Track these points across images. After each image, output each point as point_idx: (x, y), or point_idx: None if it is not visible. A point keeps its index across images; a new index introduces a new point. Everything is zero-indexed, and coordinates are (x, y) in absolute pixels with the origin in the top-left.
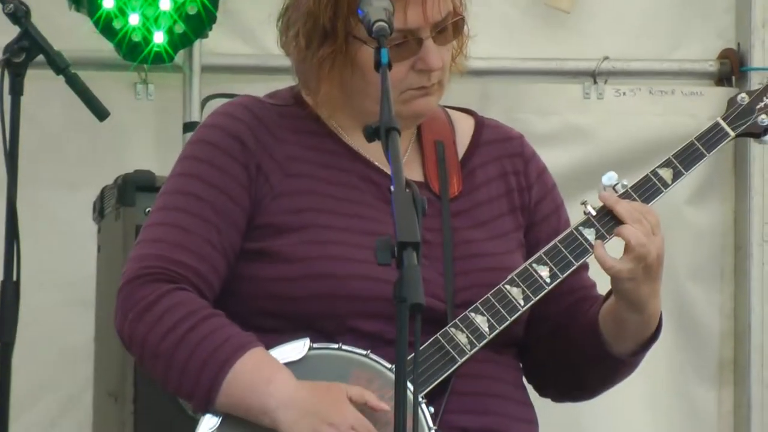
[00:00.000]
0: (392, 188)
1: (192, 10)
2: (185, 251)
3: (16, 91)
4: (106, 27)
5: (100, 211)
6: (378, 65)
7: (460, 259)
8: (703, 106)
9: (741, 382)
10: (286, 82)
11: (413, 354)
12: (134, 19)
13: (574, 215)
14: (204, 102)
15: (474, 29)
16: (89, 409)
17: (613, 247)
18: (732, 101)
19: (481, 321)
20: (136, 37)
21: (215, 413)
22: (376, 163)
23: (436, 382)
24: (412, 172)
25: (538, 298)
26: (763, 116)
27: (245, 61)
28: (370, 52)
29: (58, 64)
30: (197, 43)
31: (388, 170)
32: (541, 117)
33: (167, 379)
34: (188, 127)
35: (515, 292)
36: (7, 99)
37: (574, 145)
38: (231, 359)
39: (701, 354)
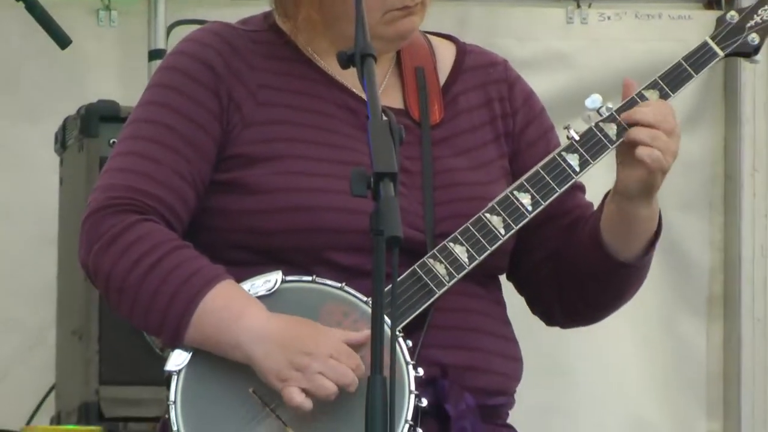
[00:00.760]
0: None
1: None
2: (153, 182)
3: None
4: None
5: (62, 142)
6: None
7: (441, 188)
8: (691, 30)
9: (731, 316)
10: (255, 9)
11: (390, 287)
12: None
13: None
14: (170, 29)
15: None
16: (53, 348)
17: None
18: (721, 20)
19: (460, 251)
20: None
21: (184, 348)
22: (354, 90)
23: (413, 315)
24: (392, 99)
25: (519, 226)
26: (754, 35)
27: None
28: None
29: None
30: None
31: (365, 96)
32: (522, 43)
33: (133, 313)
34: (153, 55)
35: (495, 221)
36: None
37: (557, 72)
38: (200, 292)
39: (690, 287)
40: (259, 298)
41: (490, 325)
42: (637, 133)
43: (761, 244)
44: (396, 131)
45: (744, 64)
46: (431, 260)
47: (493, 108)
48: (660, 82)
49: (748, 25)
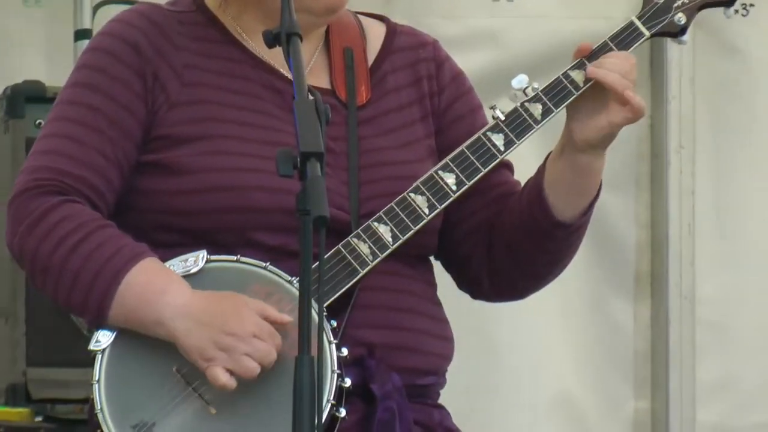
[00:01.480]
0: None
1: None
2: (77, 163)
3: None
4: None
5: None
6: None
7: (366, 167)
8: (619, 8)
9: (658, 294)
10: None
11: (315, 266)
12: None
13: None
14: (96, 8)
15: None
16: None
17: None
18: None
19: (384, 231)
20: None
21: (109, 328)
22: (281, 70)
23: (336, 295)
24: (319, 79)
25: (443, 206)
26: (680, 15)
27: None
28: None
29: None
30: None
31: (292, 77)
32: (448, 21)
33: (59, 292)
34: (80, 34)
35: (420, 201)
36: None
37: (483, 50)
38: (123, 269)
39: (617, 266)
40: (184, 277)
41: (421, 305)
42: (612, 76)
43: (688, 221)
44: (322, 111)
45: (670, 41)
46: (355, 240)
47: (421, 87)
48: (587, 63)
49: (675, 4)
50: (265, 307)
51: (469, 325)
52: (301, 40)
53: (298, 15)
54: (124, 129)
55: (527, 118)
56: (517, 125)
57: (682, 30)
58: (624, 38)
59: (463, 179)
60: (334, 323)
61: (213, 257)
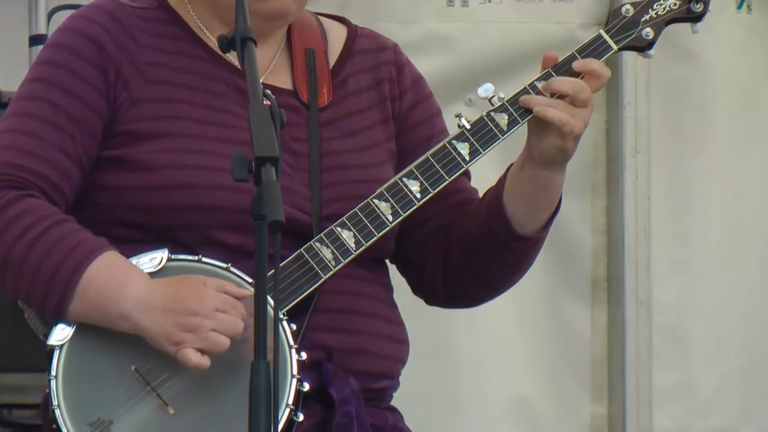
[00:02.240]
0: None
1: None
2: (35, 158)
3: None
4: None
5: None
6: None
7: (328, 170)
8: (573, 14)
9: (615, 300)
10: None
11: (273, 271)
12: None
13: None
14: (51, 14)
15: None
16: None
17: None
18: (616, 13)
19: (347, 236)
20: None
21: (68, 323)
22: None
23: (298, 299)
24: (281, 80)
25: (407, 213)
26: (648, 29)
27: None
28: None
29: None
30: None
31: None
32: (404, 26)
33: (18, 288)
34: (34, 40)
35: (384, 207)
36: None
37: (438, 56)
38: (83, 263)
39: (573, 271)
40: None
41: (377, 307)
42: (552, 112)
43: (644, 226)
44: (277, 115)
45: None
46: (318, 244)
47: (382, 90)
48: (553, 74)
49: (643, 18)
50: (223, 283)
51: (426, 330)
52: (256, 45)
53: (251, 20)
54: (83, 125)
55: (493, 128)
56: (483, 135)
57: (650, 45)
58: (591, 51)
59: (428, 187)
60: (294, 327)
61: (174, 257)
